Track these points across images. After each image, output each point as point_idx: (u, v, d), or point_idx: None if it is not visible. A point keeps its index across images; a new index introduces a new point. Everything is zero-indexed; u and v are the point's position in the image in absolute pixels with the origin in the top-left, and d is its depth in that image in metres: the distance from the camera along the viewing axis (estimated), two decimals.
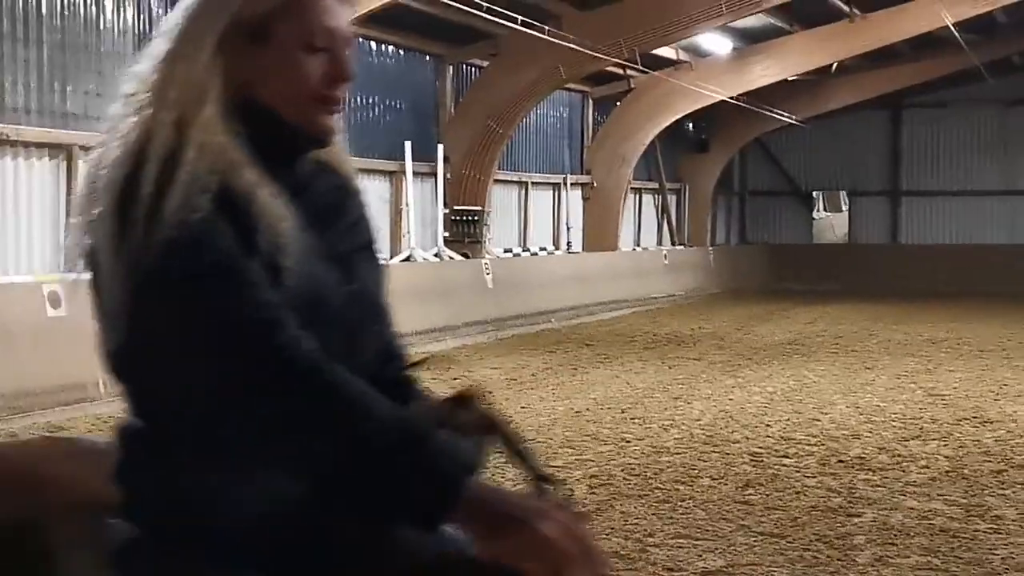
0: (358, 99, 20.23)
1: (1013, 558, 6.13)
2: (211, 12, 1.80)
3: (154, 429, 1.78)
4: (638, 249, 29.31)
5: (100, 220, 1.72)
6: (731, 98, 26.58)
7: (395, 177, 20.74)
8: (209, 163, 1.72)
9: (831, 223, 35.32)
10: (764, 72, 26.26)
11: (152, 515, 1.77)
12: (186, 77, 1.76)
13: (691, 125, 29.51)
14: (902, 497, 7.43)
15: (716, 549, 6.27)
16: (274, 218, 1.75)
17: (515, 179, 24.77)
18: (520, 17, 18.93)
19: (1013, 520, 6.91)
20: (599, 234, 26.47)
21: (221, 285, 1.68)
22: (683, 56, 25.61)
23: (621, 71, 24.41)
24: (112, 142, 1.78)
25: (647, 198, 30.73)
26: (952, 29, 24.61)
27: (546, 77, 21.37)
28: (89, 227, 1.77)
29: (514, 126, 21.94)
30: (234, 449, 1.73)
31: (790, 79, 27.30)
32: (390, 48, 21.19)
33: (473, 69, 22.96)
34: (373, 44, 20.68)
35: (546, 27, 19.62)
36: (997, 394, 11.88)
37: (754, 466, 8.37)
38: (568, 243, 26.42)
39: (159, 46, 1.83)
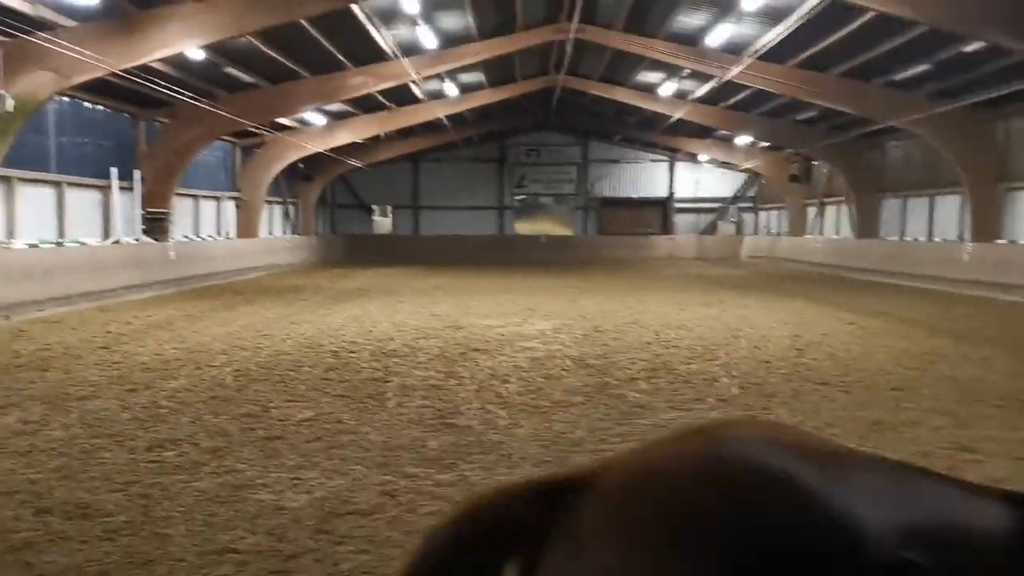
0: (75, 140, 17.30)
1: (470, 400, 6.42)
2: None
3: None
4: (271, 236, 27.74)
5: None
6: (324, 150, 25.85)
7: (105, 191, 18.01)
8: None
9: (383, 223, 35.59)
10: (343, 136, 25.78)
11: None
12: None
13: (302, 164, 28.25)
14: (414, 370, 7.67)
15: (310, 407, 6.17)
16: None
17: (191, 194, 22.39)
18: (189, 93, 17.15)
19: (469, 378, 7.37)
20: (246, 228, 24.71)
21: None
22: (296, 124, 24.48)
23: (257, 130, 22.86)
24: None
25: (276, 207, 29.13)
26: (443, 120, 25.76)
27: (208, 132, 19.52)
28: None
29: (187, 161, 19.77)
30: None
31: (358, 141, 27.02)
32: (99, 107, 18.25)
33: (159, 124, 20.38)
34: (87, 104, 17.73)
35: (206, 100, 17.95)
36: (466, 312, 12.33)
37: (334, 358, 8.30)
38: (226, 232, 24.43)
39: None
